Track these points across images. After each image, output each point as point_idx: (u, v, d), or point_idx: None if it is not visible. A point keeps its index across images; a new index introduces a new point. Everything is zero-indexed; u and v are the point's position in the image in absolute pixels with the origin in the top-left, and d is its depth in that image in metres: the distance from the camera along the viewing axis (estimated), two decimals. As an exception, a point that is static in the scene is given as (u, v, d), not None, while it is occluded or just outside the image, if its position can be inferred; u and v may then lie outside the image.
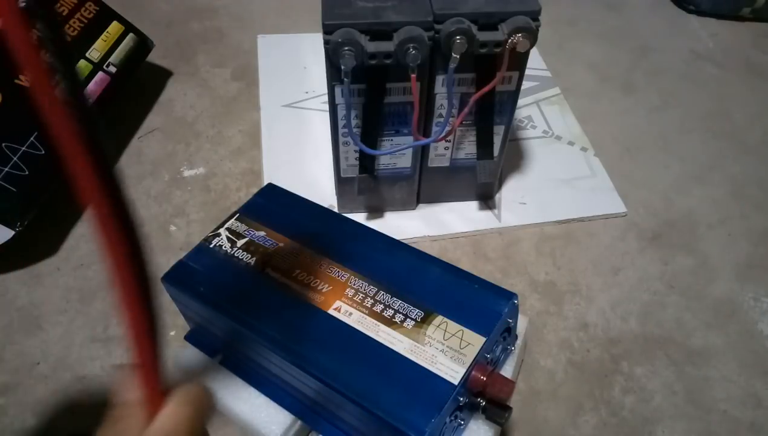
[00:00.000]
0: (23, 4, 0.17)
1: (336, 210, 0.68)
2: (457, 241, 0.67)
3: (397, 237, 0.52)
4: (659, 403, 0.55)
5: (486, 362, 0.44)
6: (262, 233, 0.51)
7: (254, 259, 0.49)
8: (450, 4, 0.51)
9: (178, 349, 0.54)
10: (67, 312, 0.59)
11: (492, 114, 0.60)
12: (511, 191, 0.72)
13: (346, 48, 0.49)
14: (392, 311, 0.44)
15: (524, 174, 0.75)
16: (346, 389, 0.41)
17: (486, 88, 0.54)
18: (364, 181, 0.63)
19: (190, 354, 0.51)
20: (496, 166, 0.66)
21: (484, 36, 0.51)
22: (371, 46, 0.50)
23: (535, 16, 0.51)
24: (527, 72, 0.57)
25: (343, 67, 0.50)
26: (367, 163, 0.62)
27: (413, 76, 0.51)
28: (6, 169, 0.59)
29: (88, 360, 0.56)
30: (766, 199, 0.74)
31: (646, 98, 0.88)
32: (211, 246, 0.50)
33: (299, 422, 0.47)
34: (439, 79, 0.56)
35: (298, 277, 0.47)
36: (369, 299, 0.45)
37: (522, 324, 0.51)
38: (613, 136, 0.81)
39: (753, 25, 1.03)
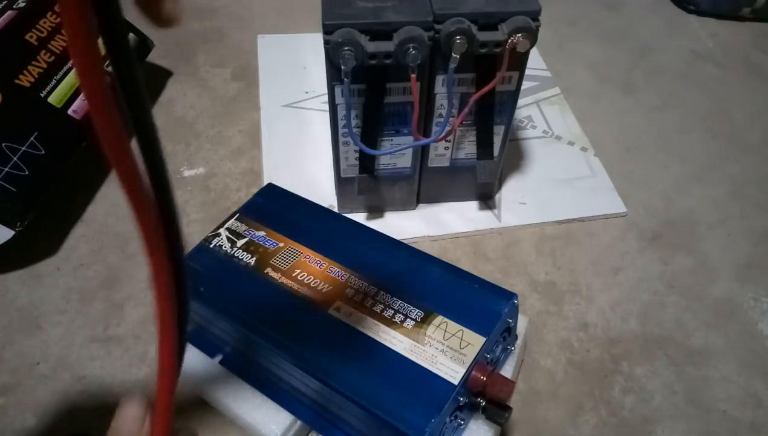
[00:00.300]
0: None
1: (336, 210, 0.68)
2: (457, 241, 0.67)
3: (397, 237, 0.52)
4: (659, 403, 0.55)
5: (486, 362, 0.44)
6: (262, 233, 0.51)
7: (254, 259, 0.49)
8: (450, 4, 0.51)
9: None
10: (67, 312, 0.59)
11: (492, 114, 0.60)
12: (511, 191, 0.72)
13: (346, 48, 0.49)
14: (392, 311, 0.44)
15: (524, 174, 0.75)
16: (346, 389, 0.41)
17: (486, 88, 0.54)
18: (364, 181, 0.63)
19: (190, 354, 0.51)
20: (496, 166, 0.66)
21: (484, 36, 0.51)
22: (371, 46, 0.50)
23: (535, 16, 0.51)
24: (527, 72, 0.57)
25: (343, 67, 0.50)
26: (367, 163, 0.62)
27: (413, 76, 0.51)
28: (6, 169, 0.59)
29: (88, 360, 0.56)
30: (766, 199, 0.74)
31: (646, 98, 0.88)
32: (211, 246, 0.50)
33: (299, 422, 0.47)
34: (439, 79, 0.56)
35: (298, 277, 0.47)
36: (369, 299, 0.45)
37: (522, 324, 0.51)
38: (613, 136, 0.81)
39: (753, 25, 1.03)
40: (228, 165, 0.75)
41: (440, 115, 0.59)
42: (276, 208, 0.54)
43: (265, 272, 0.48)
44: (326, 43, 0.50)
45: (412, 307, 0.45)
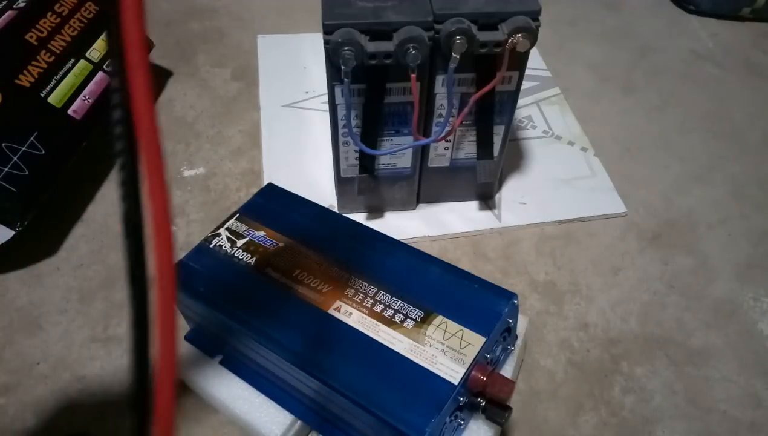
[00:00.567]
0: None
1: (336, 210, 0.68)
2: (457, 241, 0.67)
3: (397, 237, 0.52)
4: (659, 403, 0.55)
5: (486, 362, 0.44)
6: (262, 233, 0.51)
7: (254, 259, 0.49)
8: (450, 4, 0.51)
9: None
10: (67, 312, 0.59)
11: (492, 114, 0.60)
12: (511, 191, 0.72)
13: (346, 48, 0.49)
14: (392, 311, 0.44)
15: (524, 174, 0.75)
16: (346, 389, 0.41)
17: (486, 88, 0.54)
18: (364, 181, 0.63)
19: (190, 354, 0.51)
20: (496, 166, 0.66)
21: (484, 36, 0.51)
22: (371, 46, 0.50)
23: (535, 16, 0.51)
24: (527, 72, 0.57)
25: (343, 67, 0.50)
26: (367, 163, 0.62)
27: (413, 76, 0.51)
28: (6, 169, 0.59)
29: (88, 360, 0.56)
30: (766, 199, 0.74)
31: (646, 98, 0.88)
32: (211, 246, 0.50)
33: (299, 422, 0.47)
34: (439, 79, 0.56)
35: (298, 277, 0.47)
36: (369, 299, 0.45)
37: (522, 324, 0.51)
38: (613, 136, 0.81)
39: (753, 25, 1.03)
40: (228, 165, 0.75)
41: (440, 115, 0.59)
42: (276, 208, 0.54)
43: (265, 272, 0.48)
44: (326, 43, 0.50)
45: (412, 307, 0.45)
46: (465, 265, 0.65)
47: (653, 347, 0.59)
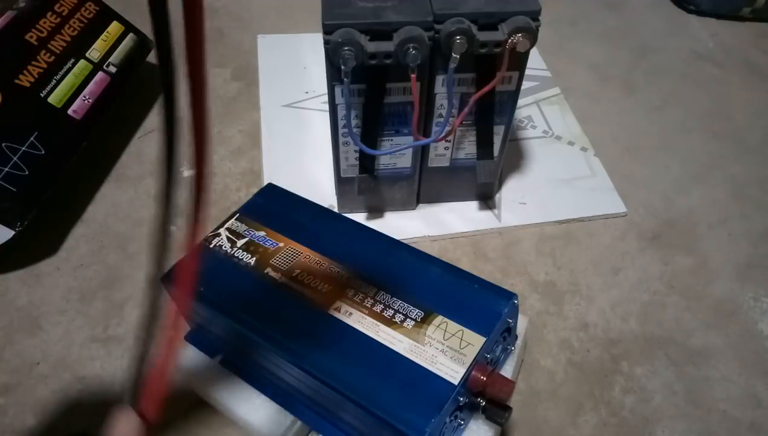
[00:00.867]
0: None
1: (336, 210, 0.68)
2: (457, 241, 0.67)
3: (397, 237, 0.52)
4: (659, 403, 0.55)
5: (486, 362, 0.44)
6: (262, 233, 0.51)
7: (254, 259, 0.49)
8: (450, 4, 0.51)
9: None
10: (67, 312, 0.59)
11: (492, 114, 0.60)
12: (511, 191, 0.72)
13: (346, 48, 0.49)
14: (392, 311, 0.44)
15: (524, 174, 0.75)
16: (346, 389, 0.41)
17: (486, 88, 0.54)
18: (364, 181, 0.63)
19: (190, 354, 0.51)
20: (496, 166, 0.66)
21: (484, 36, 0.51)
22: (371, 46, 0.50)
23: (535, 16, 0.51)
24: (527, 72, 0.57)
25: (343, 67, 0.50)
26: (367, 163, 0.62)
27: (413, 76, 0.51)
28: (6, 169, 0.59)
29: (88, 360, 0.56)
30: (766, 199, 0.74)
31: (646, 98, 0.88)
32: (211, 246, 0.50)
33: (299, 422, 0.47)
34: (439, 79, 0.56)
35: (298, 277, 0.47)
36: (369, 299, 0.45)
37: (522, 324, 0.51)
38: (613, 136, 0.81)
39: (753, 25, 1.03)
40: (228, 165, 0.75)
41: (440, 115, 0.59)
42: (276, 208, 0.54)
43: (265, 272, 0.48)
44: (326, 43, 0.50)
45: (412, 307, 0.44)
46: (465, 265, 0.65)
47: (653, 347, 0.59)
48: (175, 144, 0.24)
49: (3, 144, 0.60)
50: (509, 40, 0.51)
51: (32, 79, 0.64)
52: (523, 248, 0.67)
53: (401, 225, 0.68)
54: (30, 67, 0.64)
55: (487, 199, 0.71)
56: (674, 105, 0.87)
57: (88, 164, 0.71)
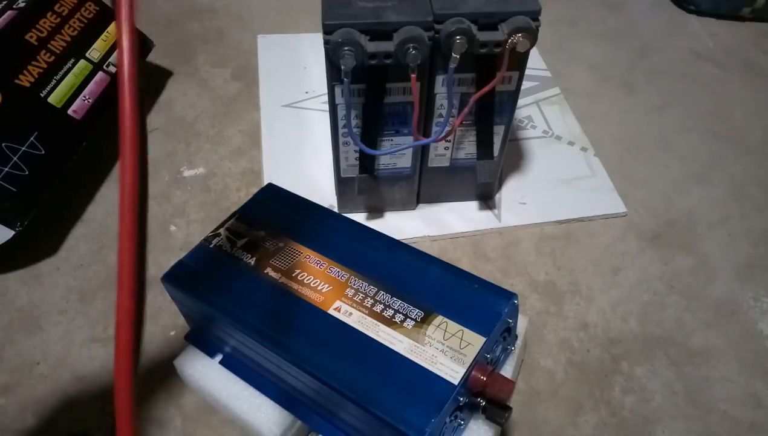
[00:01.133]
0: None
1: (336, 210, 0.68)
2: (457, 241, 0.67)
3: (397, 237, 0.52)
4: (659, 403, 0.55)
5: (486, 362, 0.44)
6: (262, 233, 0.51)
7: (254, 259, 0.49)
8: (450, 4, 0.51)
9: (178, 349, 0.53)
10: (67, 312, 0.59)
11: (492, 114, 0.60)
12: (511, 191, 0.72)
13: (346, 48, 0.49)
14: (392, 311, 0.44)
15: (524, 174, 0.75)
16: (346, 388, 0.41)
17: (486, 88, 0.54)
18: (364, 181, 0.63)
19: (190, 354, 0.51)
20: (496, 166, 0.66)
21: (484, 36, 0.51)
22: (371, 46, 0.50)
23: (535, 16, 0.51)
24: (527, 72, 0.57)
25: (343, 67, 0.50)
26: (367, 163, 0.62)
27: (413, 76, 0.51)
28: (6, 169, 0.59)
29: (88, 360, 0.56)
30: (766, 199, 0.74)
31: (646, 98, 0.88)
32: (211, 246, 0.50)
33: (299, 422, 0.47)
34: (439, 79, 0.56)
35: (298, 277, 0.47)
36: (369, 299, 0.45)
37: (522, 324, 0.51)
38: (613, 136, 0.81)
39: (753, 25, 1.03)
40: (228, 165, 0.75)
41: (440, 115, 0.59)
42: (276, 208, 0.54)
43: (265, 272, 0.48)
44: (326, 43, 0.50)
45: (412, 307, 0.44)
46: (465, 265, 0.65)
47: (653, 347, 0.59)
48: None
49: (3, 144, 0.60)
50: (509, 40, 0.51)
51: (32, 79, 0.64)
52: (523, 248, 0.67)
53: (401, 225, 0.68)
54: (30, 67, 0.64)
55: (487, 199, 0.71)
56: (674, 105, 0.87)
57: (88, 164, 0.71)
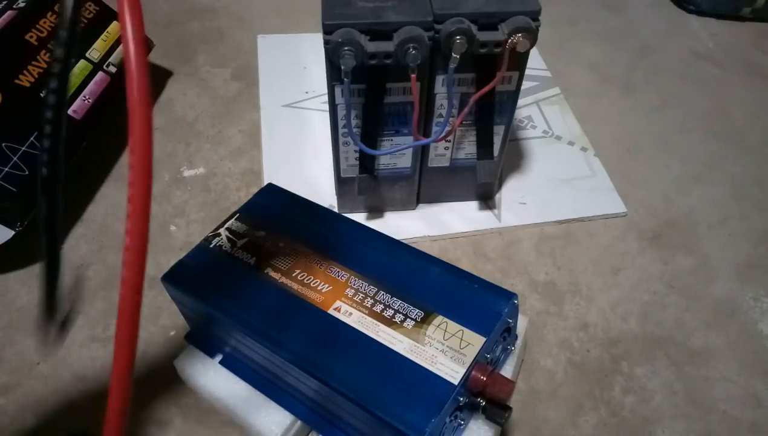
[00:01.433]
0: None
1: (336, 210, 0.68)
2: (457, 241, 0.67)
3: (397, 237, 0.52)
4: (659, 403, 0.55)
5: (486, 362, 0.44)
6: (262, 233, 0.51)
7: (254, 259, 0.49)
8: (450, 4, 0.51)
9: (178, 349, 0.53)
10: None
11: (492, 114, 0.60)
12: (511, 191, 0.72)
13: (346, 48, 0.49)
14: (392, 311, 0.44)
15: (524, 174, 0.75)
16: (346, 389, 0.41)
17: (486, 88, 0.54)
18: (364, 181, 0.63)
19: (190, 354, 0.51)
20: (496, 166, 0.66)
21: (484, 36, 0.51)
22: (371, 46, 0.50)
23: (535, 16, 0.51)
24: (527, 72, 0.57)
25: (343, 67, 0.50)
26: (367, 163, 0.62)
27: (413, 76, 0.51)
28: (6, 169, 0.59)
29: (88, 360, 0.56)
30: (766, 199, 0.74)
31: (646, 98, 0.88)
32: (211, 246, 0.50)
33: (299, 422, 0.47)
34: (439, 79, 0.56)
35: (298, 277, 0.47)
36: (369, 299, 0.45)
37: (522, 324, 0.51)
38: (613, 136, 0.81)
39: (753, 25, 1.03)
40: (228, 165, 0.75)
41: (440, 115, 0.59)
42: (276, 208, 0.54)
43: (265, 272, 0.48)
44: (326, 43, 0.50)
45: (412, 307, 0.44)
46: (465, 265, 0.65)
47: (653, 347, 0.59)
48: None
49: (3, 144, 0.60)
50: (509, 40, 0.51)
51: (32, 79, 0.64)
52: (523, 248, 0.67)
53: (401, 225, 0.68)
54: (30, 67, 0.64)
55: (487, 199, 0.71)
56: (674, 105, 0.87)
57: (88, 164, 0.71)
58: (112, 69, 0.73)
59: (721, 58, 0.96)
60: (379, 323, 0.44)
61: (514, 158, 0.76)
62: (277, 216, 0.53)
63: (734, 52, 0.97)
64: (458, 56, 0.51)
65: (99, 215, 0.68)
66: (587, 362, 0.58)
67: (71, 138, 0.66)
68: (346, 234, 0.52)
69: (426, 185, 0.67)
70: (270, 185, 0.57)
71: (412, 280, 0.47)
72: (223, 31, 0.96)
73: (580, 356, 0.58)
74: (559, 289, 0.63)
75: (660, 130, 0.83)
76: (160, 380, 0.54)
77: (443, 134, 0.58)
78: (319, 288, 0.46)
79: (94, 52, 0.72)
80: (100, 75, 0.71)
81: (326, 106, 0.58)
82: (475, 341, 0.42)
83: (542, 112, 0.84)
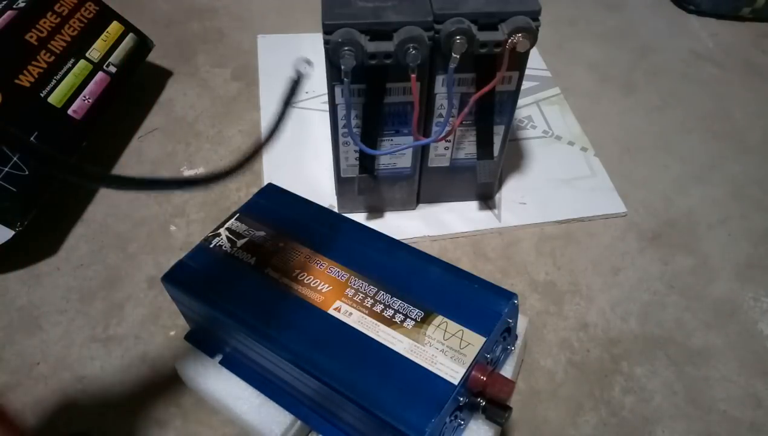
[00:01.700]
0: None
1: (336, 210, 0.68)
2: (457, 241, 0.67)
3: (397, 237, 0.52)
4: (659, 403, 0.55)
5: (486, 362, 0.44)
6: (262, 233, 0.51)
7: (254, 259, 0.49)
8: (450, 4, 0.51)
9: (178, 349, 0.54)
10: (67, 312, 0.59)
11: (492, 114, 0.60)
12: (511, 191, 0.72)
13: (346, 48, 0.49)
14: (392, 311, 0.44)
15: (524, 174, 0.75)
16: (346, 389, 0.41)
17: (486, 88, 0.54)
18: (364, 181, 0.63)
19: (190, 354, 0.51)
20: (496, 166, 0.66)
21: (484, 36, 0.51)
22: (371, 46, 0.50)
23: (535, 16, 0.51)
24: (527, 72, 0.57)
25: (343, 67, 0.50)
26: (367, 163, 0.62)
27: (413, 76, 0.51)
28: (6, 169, 0.59)
29: (88, 360, 0.56)
30: (766, 199, 0.74)
31: (646, 98, 0.88)
32: (211, 246, 0.50)
33: (299, 422, 0.47)
34: (439, 79, 0.56)
35: (298, 277, 0.47)
36: (369, 299, 0.45)
37: (522, 324, 0.51)
38: (613, 136, 0.81)
39: (753, 25, 1.03)
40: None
41: (440, 115, 0.59)
42: (276, 208, 0.54)
43: (265, 272, 0.48)
44: (326, 43, 0.50)
45: (412, 307, 0.44)
46: (465, 265, 0.65)
47: (653, 347, 0.59)
48: None
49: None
50: (509, 40, 0.51)
51: (32, 79, 0.64)
52: (523, 248, 0.67)
53: (401, 225, 0.68)
54: (30, 67, 0.64)
55: (487, 199, 0.71)
56: (674, 105, 0.87)
57: (88, 164, 0.71)
58: (112, 69, 0.73)
59: (721, 58, 0.96)
60: (379, 323, 0.44)
61: (514, 158, 0.76)
62: (277, 216, 0.53)
63: (734, 52, 0.97)
64: (458, 56, 0.51)
65: (99, 215, 0.68)
66: (587, 362, 0.58)
67: (71, 138, 0.66)
68: (346, 234, 0.52)
69: (426, 185, 0.67)
70: (270, 185, 0.57)
71: (412, 280, 0.47)
72: (223, 31, 0.96)
73: (580, 356, 0.58)
74: (559, 289, 0.63)
75: (660, 130, 0.83)
76: (160, 380, 0.54)
77: (443, 134, 0.58)
78: (319, 288, 0.46)
79: (94, 52, 0.72)
80: (100, 75, 0.71)
81: (326, 106, 0.58)
82: (475, 341, 0.42)
83: (542, 112, 0.84)
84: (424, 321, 0.44)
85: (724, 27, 1.02)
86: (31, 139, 0.62)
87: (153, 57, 0.85)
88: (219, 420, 0.52)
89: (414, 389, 0.40)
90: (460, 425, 0.43)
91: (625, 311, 0.62)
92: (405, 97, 0.56)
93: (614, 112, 0.85)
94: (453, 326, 0.43)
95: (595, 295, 0.63)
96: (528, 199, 0.71)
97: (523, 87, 0.58)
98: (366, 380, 0.41)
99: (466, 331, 0.43)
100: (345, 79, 0.50)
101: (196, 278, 0.49)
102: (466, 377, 0.40)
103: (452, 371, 0.40)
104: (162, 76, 0.86)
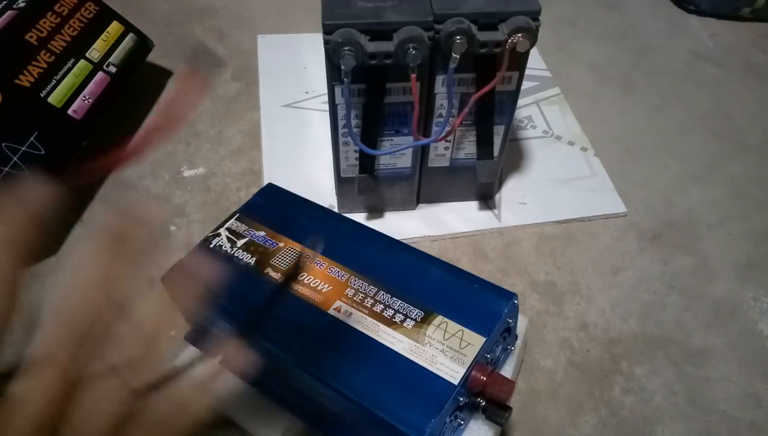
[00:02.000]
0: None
1: (336, 210, 0.68)
2: (457, 241, 0.67)
3: (397, 237, 0.52)
4: (659, 403, 0.55)
5: (486, 362, 0.44)
6: (262, 233, 0.51)
7: (254, 259, 0.49)
8: (450, 4, 0.51)
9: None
10: (67, 312, 0.59)
11: (492, 114, 0.60)
12: (511, 191, 0.72)
13: (346, 48, 0.49)
14: (392, 311, 0.44)
15: (524, 174, 0.75)
16: (346, 389, 0.41)
17: (486, 88, 0.54)
18: (364, 181, 0.63)
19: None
20: (496, 166, 0.66)
21: (484, 36, 0.51)
22: (371, 46, 0.50)
23: (535, 16, 0.51)
24: (527, 72, 0.57)
25: (343, 67, 0.50)
26: (367, 163, 0.62)
27: (413, 76, 0.51)
28: (6, 169, 0.59)
29: (88, 360, 0.56)
30: (766, 199, 0.74)
31: (646, 98, 0.88)
32: (211, 246, 0.50)
33: (299, 422, 0.47)
34: (439, 79, 0.56)
35: (298, 277, 0.47)
36: (369, 299, 0.45)
37: (522, 324, 0.51)
38: (613, 136, 0.81)
39: (753, 25, 1.03)
40: (228, 165, 0.75)
41: (440, 115, 0.59)
42: (276, 208, 0.54)
43: (265, 272, 0.48)
44: (326, 43, 0.50)
45: (412, 307, 0.44)
46: (465, 265, 0.65)
47: (653, 347, 0.59)
48: None
49: (3, 144, 0.60)
50: (509, 40, 0.51)
51: (32, 79, 0.64)
52: (523, 248, 0.67)
53: (401, 225, 0.68)
54: (30, 67, 0.64)
55: (487, 199, 0.71)
56: (674, 105, 0.87)
57: (88, 164, 0.71)
58: (112, 69, 0.73)
59: (721, 58, 0.96)
60: (379, 323, 0.44)
61: (514, 158, 0.76)
62: (277, 216, 0.53)
63: (734, 52, 0.97)
64: (458, 56, 0.51)
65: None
66: (587, 362, 0.58)
67: (71, 138, 0.66)
68: (346, 234, 0.52)
69: (426, 185, 0.67)
70: (270, 185, 0.57)
71: (412, 280, 0.47)
72: (223, 31, 0.96)
73: (580, 356, 0.58)
74: (559, 289, 0.63)
75: (660, 130, 0.83)
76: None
77: (443, 134, 0.58)
78: (319, 288, 0.46)
79: (94, 52, 0.71)
80: (100, 75, 0.71)
81: (326, 106, 0.58)
82: (475, 341, 0.42)
83: (542, 112, 0.84)
84: (424, 321, 0.44)
85: (724, 27, 1.02)
86: (31, 139, 0.62)
87: (153, 57, 0.85)
88: (218, 420, 0.52)
89: (414, 389, 0.40)
90: (460, 425, 0.43)
91: (625, 311, 0.62)
92: (405, 97, 0.56)
93: (614, 112, 0.85)
94: (453, 326, 0.43)
95: (595, 295, 0.63)
96: (528, 199, 0.71)
97: (523, 87, 0.58)
98: (366, 380, 0.41)
99: (466, 331, 0.43)
100: (345, 79, 0.50)
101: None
102: (466, 377, 0.40)
103: (452, 371, 0.40)
104: (162, 76, 0.86)
